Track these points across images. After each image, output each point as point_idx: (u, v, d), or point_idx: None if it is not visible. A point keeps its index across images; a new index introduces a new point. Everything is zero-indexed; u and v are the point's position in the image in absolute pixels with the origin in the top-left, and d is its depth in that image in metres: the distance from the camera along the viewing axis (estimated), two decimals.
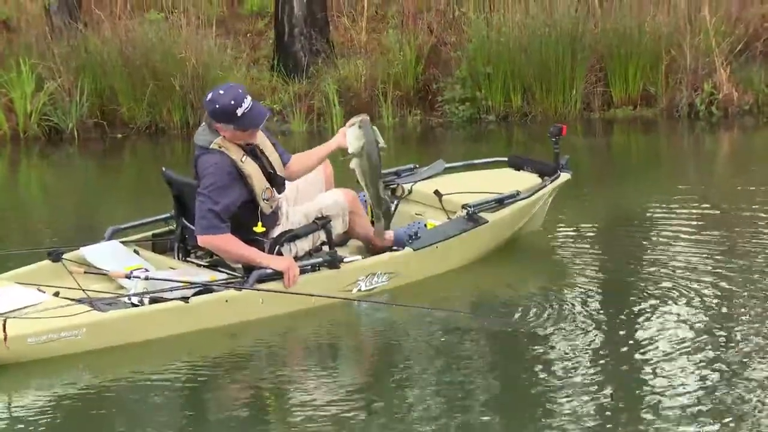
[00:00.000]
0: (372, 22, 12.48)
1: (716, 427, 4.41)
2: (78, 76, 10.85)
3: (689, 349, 5.21)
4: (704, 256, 6.63)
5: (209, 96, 5.68)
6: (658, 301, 5.88)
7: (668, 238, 7.11)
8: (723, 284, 6.10)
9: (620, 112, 11.38)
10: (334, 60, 11.64)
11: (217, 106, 5.60)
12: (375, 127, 5.86)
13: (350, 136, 5.76)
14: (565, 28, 11.11)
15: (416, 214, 6.65)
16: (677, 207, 7.82)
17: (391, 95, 11.25)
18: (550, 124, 10.56)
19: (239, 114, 5.58)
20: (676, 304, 5.82)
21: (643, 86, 11.36)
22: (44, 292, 5.49)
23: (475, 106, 11.29)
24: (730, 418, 4.48)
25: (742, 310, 5.73)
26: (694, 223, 7.43)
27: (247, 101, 5.61)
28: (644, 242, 7.09)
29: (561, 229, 7.37)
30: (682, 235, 7.12)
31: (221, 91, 5.65)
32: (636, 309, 5.78)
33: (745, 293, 5.97)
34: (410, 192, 6.79)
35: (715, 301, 5.87)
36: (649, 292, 6.04)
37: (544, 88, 11.16)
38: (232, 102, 5.57)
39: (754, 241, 6.95)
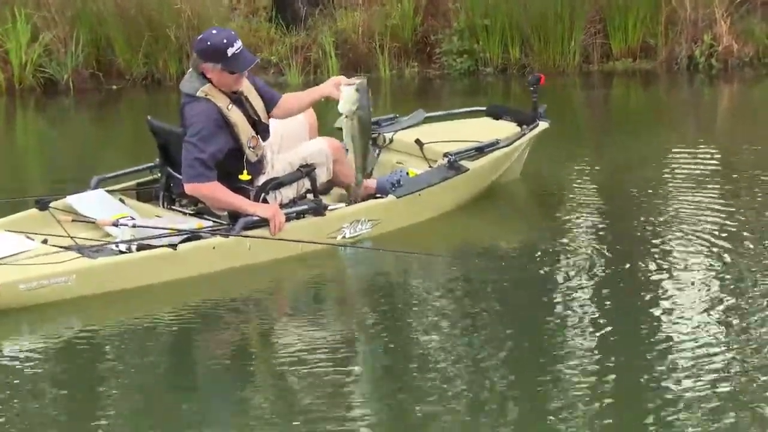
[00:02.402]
0: None
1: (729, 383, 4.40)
2: (73, 27, 10.79)
3: (683, 297, 5.22)
4: (704, 205, 6.61)
5: (201, 36, 5.76)
6: (643, 245, 5.91)
7: (664, 186, 7.09)
8: (723, 231, 6.08)
9: (619, 64, 11.28)
10: (332, 11, 11.56)
11: (209, 43, 5.64)
12: (369, 90, 5.80)
13: (345, 96, 5.67)
14: None
15: (397, 162, 6.69)
16: (675, 157, 7.78)
17: (388, 47, 11.18)
18: (549, 77, 10.62)
19: (229, 54, 5.62)
20: (662, 251, 5.82)
21: (642, 38, 11.25)
22: (33, 240, 5.54)
23: (473, 59, 11.21)
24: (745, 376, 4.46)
25: (745, 259, 5.69)
26: (693, 173, 7.36)
27: (238, 44, 5.67)
28: (640, 191, 7.03)
29: (554, 180, 7.38)
30: (679, 185, 7.09)
31: (214, 31, 5.76)
32: (623, 254, 5.79)
33: (746, 240, 5.94)
34: (391, 141, 6.83)
35: (713, 247, 5.85)
36: (640, 237, 6.07)
37: (542, 40, 11.06)
38: (225, 41, 5.63)
39: (754, 190, 6.93)
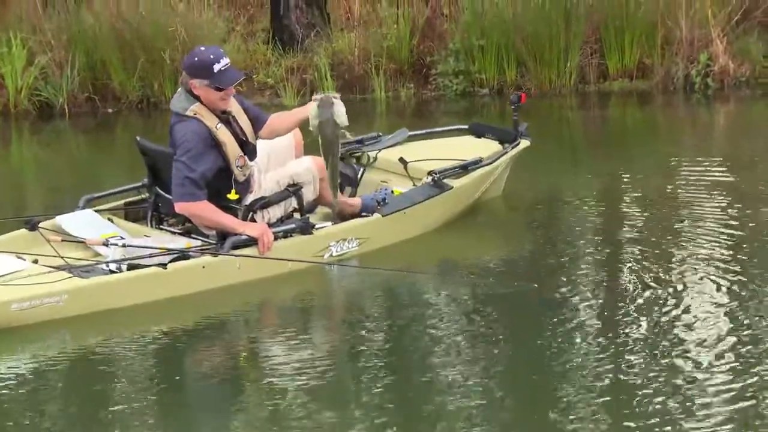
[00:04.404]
0: None
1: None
2: (69, 50, 10.81)
3: (673, 310, 5.23)
4: (696, 221, 6.61)
5: (189, 53, 5.85)
6: (625, 259, 5.94)
7: (650, 203, 7.08)
8: (717, 248, 6.08)
9: (616, 84, 11.28)
10: (329, 33, 11.59)
11: (196, 59, 5.73)
12: (341, 103, 5.83)
13: (310, 112, 5.81)
14: None
15: (382, 181, 6.73)
16: (666, 175, 7.77)
17: (384, 69, 11.19)
18: (545, 97, 10.70)
19: (215, 70, 5.69)
20: (644, 267, 5.82)
21: (639, 58, 11.25)
22: (24, 260, 5.56)
23: (468, 80, 11.21)
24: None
25: (746, 277, 5.67)
26: (686, 191, 7.36)
27: (225, 61, 5.75)
28: (625, 207, 7.10)
29: (539, 197, 7.40)
30: (668, 202, 7.08)
31: (202, 48, 5.86)
32: (606, 268, 5.87)
33: (745, 258, 5.96)
34: (375, 160, 6.87)
35: (705, 264, 5.85)
36: (623, 251, 6.11)
37: (538, 60, 11.07)
38: (212, 56, 5.72)
39: (750, 210, 6.88)
